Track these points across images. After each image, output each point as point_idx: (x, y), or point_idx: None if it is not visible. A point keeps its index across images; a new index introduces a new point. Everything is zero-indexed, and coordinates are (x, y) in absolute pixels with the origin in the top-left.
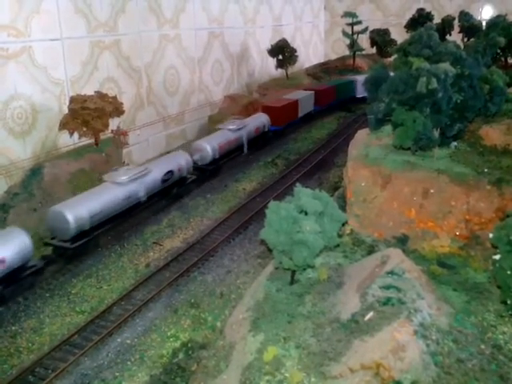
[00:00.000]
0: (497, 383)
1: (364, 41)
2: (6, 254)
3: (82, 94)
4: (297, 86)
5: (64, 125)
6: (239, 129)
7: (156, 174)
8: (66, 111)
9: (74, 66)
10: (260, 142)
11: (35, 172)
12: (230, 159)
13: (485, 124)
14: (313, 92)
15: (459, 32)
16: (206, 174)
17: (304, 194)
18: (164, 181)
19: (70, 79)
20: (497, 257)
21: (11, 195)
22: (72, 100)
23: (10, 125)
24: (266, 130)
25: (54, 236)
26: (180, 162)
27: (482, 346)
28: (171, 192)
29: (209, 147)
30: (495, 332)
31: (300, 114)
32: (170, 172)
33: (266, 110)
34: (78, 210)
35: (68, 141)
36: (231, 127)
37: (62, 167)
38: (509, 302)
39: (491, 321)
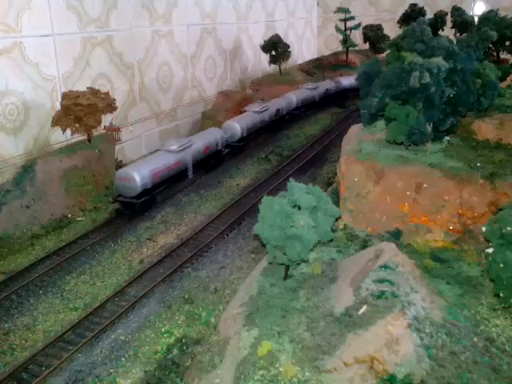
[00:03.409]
0: (489, 375)
1: (357, 36)
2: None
3: (75, 90)
4: (290, 81)
5: (56, 121)
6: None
7: None
8: (59, 108)
9: (65, 63)
10: None
11: (27, 169)
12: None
13: (477, 118)
14: None
15: (452, 27)
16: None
17: (297, 189)
18: None
19: (61, 75)
20: (490, 250)
21: (3, 192)
22: (64, 96)
23: (2, 121)
24: None
25: None
26: None
27: (475, 339)
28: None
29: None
30: (488, 325)
31: None
32: None
33: None
34: None
35: (60, 137)
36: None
37: (55, 164)
38: (501, 294)
39: (484, 314)
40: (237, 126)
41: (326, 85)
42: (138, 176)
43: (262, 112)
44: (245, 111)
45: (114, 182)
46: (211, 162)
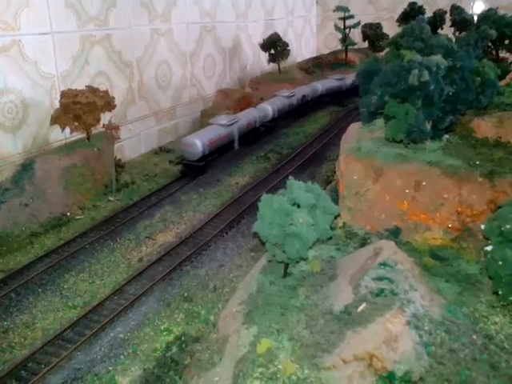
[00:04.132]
0: (488, 372)
1: (356, 35)
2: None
3: (73, 88)
4: (289, 80)
5: (55, 119)
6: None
7: None
8: (57, 106)
9: (64, 61)
10: None
11: (26, 167)
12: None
13: (476, 117)
14: None
15: (451, 26)
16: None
17: (296, 187)
18: None
19: (60, 74)
20: (488, 248)
21: (2, 191)
22: (63, 94)
23: (1, 119)
24: None
25: None
26: None
27: (474, 336)
28: None
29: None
30: (487, 322)
31: None
32: None
33: None
34: None
35: (59, 136)
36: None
37: (54, 162)
38: (500, 292)
39: (483, 311)
40: (269, 107)
41: (353, 76)
42: (200, 143)
43: (290, 97)
44: (275, 95)
45: (180, 147)
46: (250, 138)
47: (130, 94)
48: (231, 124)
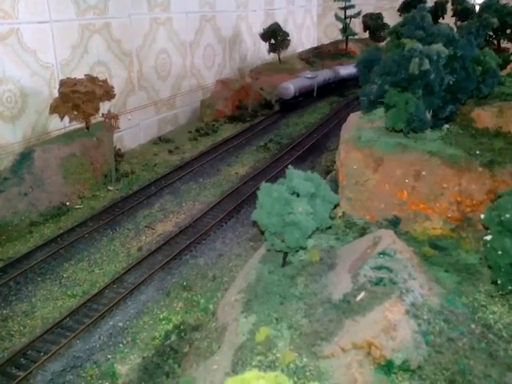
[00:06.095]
0: (486, 361)
1: (357, 25)
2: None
3: (73, 77)
4: (289, 70)
5: (54, 108)
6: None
7: None
8: (56, 95)
9: (63, 50)
10: None
11: (25, 156)
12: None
13: (477, 106)
14: None
15: (452, 15)
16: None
17: (296, 176)
18: None
19: (59, 63)
20: (488, 237)
21: (1, 180)
22: (62, 83)
23: None
24: None
25: None
26: None
27: (473, 326)
28: None
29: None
30: (485, 312)
31: None
32: None
33: None
34: None
35: (58, 125)
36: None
37: (53, 151)
38: (499, 281)
39: (482, 301)
40: (341, 70)
41: None
42: (292, 87)
43: None
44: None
45: (278, 89)
46: (324, 90)
47: (130, 83)
48: (313, 78)
